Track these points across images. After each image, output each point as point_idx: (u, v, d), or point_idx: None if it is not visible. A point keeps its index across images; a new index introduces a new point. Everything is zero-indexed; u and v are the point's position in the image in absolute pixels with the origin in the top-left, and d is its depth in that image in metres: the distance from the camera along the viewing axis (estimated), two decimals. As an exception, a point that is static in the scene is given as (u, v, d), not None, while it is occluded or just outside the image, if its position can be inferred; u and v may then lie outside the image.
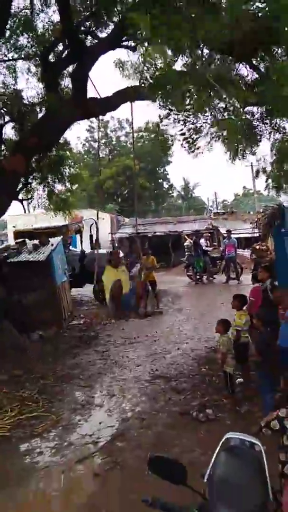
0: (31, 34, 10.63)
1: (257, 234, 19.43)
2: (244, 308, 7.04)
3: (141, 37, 7.02)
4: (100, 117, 11.06)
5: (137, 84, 8.30)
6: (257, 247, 15.43)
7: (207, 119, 6.87)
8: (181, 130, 6.88)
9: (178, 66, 6.92)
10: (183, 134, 6.85)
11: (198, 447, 5.14)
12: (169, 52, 6.51)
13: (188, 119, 6.73)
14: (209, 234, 22.26)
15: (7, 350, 9.38)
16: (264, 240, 17.99)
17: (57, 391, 7.32)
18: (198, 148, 6.92)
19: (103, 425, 6.03)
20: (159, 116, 6.98)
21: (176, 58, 6.79)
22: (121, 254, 16.71)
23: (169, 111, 6.74)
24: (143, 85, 7.23)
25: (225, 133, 6.21)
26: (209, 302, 13.02)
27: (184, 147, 7.24)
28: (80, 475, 4.87)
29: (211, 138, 6.62)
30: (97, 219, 15.45)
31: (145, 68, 7.09)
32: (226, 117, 7.44)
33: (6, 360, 8.92)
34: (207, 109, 6.50)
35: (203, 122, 6.73)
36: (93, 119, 10.99)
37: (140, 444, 5.39)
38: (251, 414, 5.91)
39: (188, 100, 6.17)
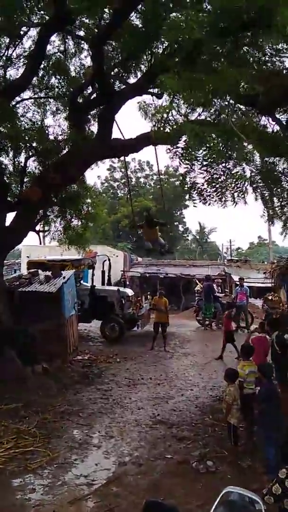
0: (62, 76, 11.20)
1: (270, 284, 19.37)
2: (251, 358, 6.93)
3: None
4: (123, 157, 11.37)
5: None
6: (270, 297, 15.33)
7: (227, 168, 7.00)
8: (208, 179, 7.00)
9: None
10: (208, 181, 6.97)
11: (195, 499, 4.96)
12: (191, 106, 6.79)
13: (209, 170, 6.88)
14: (221, 280, 22.20)
15: (8, 380, 9.28)
16: (277, 291, 17.88)
17: (55, 427, 7.16)
18: (222, 198, 7.05)
19: (99, 467, 5.86)
20: (185, 172, 7.12)
21: (200, 110, 7.03)
22: (132, 293, 16.71)
23: (191, 164, 6.87)
24: (167, 129, 7.46)
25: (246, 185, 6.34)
26: (216, 349, 12.78)
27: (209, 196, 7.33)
28: (71, 517, 4.69)
29: (232, 190, 6.75)
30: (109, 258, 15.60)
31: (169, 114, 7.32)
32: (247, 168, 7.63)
33: (7, 390, 8.80)
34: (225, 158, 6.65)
35: (222, 172, 6.87)
36: (115, 159, 11.34)
37: (135, 491, 5.20)
38: (253, 470, 5.71)
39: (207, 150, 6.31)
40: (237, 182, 6.71)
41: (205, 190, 7.24)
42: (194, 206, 7.33)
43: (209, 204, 7.35)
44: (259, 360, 6.99)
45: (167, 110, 6.26)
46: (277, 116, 7.88)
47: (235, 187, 6.77)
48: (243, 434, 6.59)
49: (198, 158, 6.67)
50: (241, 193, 6.73)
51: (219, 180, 6.99)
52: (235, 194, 6.83)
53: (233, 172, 6.85)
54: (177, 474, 5.64)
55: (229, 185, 6.87)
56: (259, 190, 7.89)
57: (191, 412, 8.05)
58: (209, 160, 6.49)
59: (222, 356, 12.25)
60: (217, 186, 7.03)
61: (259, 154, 6.87)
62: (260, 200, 8.06)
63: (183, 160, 6.63)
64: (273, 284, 18.96)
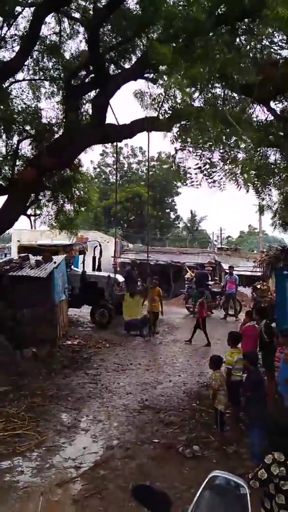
0: (57, 58, 11.02)
1: (259, 273, 19.50)
2: (239, 345, 7.02)
3: (162, 70, 7.23)
4: (116, 143, 11.30)
5: (154, 115, 8.54)
6: (258, 286, 15.44)
7: (222, 154, 7.00)
8: (197, 164, 7.01)
9: (197, 102, 7.10)
10: (199, 168, 6.97)
11: (181, 483, 5.06)
12: (188, 88, 6.73)
13: (204, 153, 6.87)
14: (211, 268, 22.29)
15: (-2, 364, 9.32)
16: (266, 279, 18.02)
17: (44, 411, 7.23)
18: (214, 182, 7.04)
19: (86, 451, 5.94)
20: (175, 148, 7.12)
21: (195, 93, 6.98)
22: (122, 279, 16.72)
23: (184, 144, 6.87)
24: (161, 116, 7.42)
25: (237, 170, 6.32)
26: (204, 337, 12.90)
27: (194, 180, 7.35)
28: (59, 499, 4.77)
29: (224, 174, 6.73)
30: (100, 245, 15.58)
31: (165, 100, 7.29)
32: (240, 154, 7.63)
33: (-4, 374, 8.86)
34: (221, 144, 6.64)
35: (219, 158, 6.86)
36: (108, 145, 11.26)
37: (122, 474, 5.29)
38: (238, 455, 5.83)
39: (204, 135, 6.30)
40: (231, 168, 6.71)
41: (197, 173, 7.26)
42: (183, 184, 7.32)
43: (198, 186, 7.36)
44: (248, 348, 7.09)
45: (170, 84, 6.11)
46: (272, 106, 7.87)
47: (229, 173, 6.76)
48: (230, 420, 6.71)
49: (197, 142, 6.67)
50: (234, 177, 6.73)
51: (215, 164, 6.99)
52: (228, 179, 6.83)
53: (226, 157, 6.85)
54: (164, 458, 5.75)
55: (226, 170, 6.87)
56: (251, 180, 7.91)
57: (179, 398, 8.16)
58: (208, 144, 6.48)
59: (191, 340, 12.81)
60: (211, 170, 7.04)
61: (252, 143, 6.86)
62: (252, 190, 8.11)
63: (179, 142, 6.62)
64: (262, 273, 19.11)
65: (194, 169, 7.06)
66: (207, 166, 6.87)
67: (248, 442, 5.88)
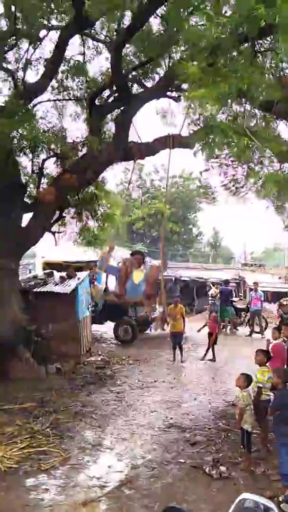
0: (81, 78, 11.30)
1: (285, 289, 19.20)
2: (268, 364, 6.86)
3: (188, 88, 7.29)
4: (138, 160, 11.41)
5: (176, 132, 8.61)
6: (284, 302, 15.20)
7: (244, 170, 7.01)
8: (222, 181, 7.06)
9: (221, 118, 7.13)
10: (225, 185, 7.01)
11: (208, 504, 4.93)
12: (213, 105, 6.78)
13: (227, 170, 6.90)
14: (235, 285, 22.06)
15: (23, 380, 9.38)
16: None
17: (68, 428, 7.19)
18: (240, 198, 7.06)
19: (111, 469, 5.86)
20: (200, 172, 7.18)
21: (220, 110, 7.02)
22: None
23: (209, 163, 6.91)
24: (184, 132, 7.48)
25: (263, 185, 6.31)
26: (230, 354, 12.73)
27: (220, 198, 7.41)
28: (84, 519, 4.70)
29: (249, 189, 6.74)
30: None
31: (188, 116, 7.34)
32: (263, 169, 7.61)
33: (21, 390, 8.90)
34: (245, 159, 6.65)
35: (242, 174, 6.87)
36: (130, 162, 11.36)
37: (148, 494, 5.19)
38: (267, 477, 5.65)
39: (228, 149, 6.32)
40: (255, 184, 6.71)
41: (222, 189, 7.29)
42: (210, 203, 7.34)
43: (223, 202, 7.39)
44: (276, 366, 6.92)
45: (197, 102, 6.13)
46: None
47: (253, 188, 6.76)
48: (258, 440, 6.54)
49: (221, 156, 6.70)
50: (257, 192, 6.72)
51: (238, 181, 7.01)
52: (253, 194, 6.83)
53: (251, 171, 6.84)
54: (190, 478, 5.62)
55: (250, 186, 6.87)
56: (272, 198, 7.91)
57: (204, 417, 8.01)
58: (232, 157, 6.49)
59: (205, 356, 12.56)
60: (236, 187, 7.05)
61: (276, 158, 6.84)
62: (272, 207, 8.08)
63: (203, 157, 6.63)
64: (288, 289, 18.80)
65: (221, 186, 7.09)
66: (232, 183, 6.88)
67: (277, 463, 5.71)
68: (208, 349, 12.52)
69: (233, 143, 5.89)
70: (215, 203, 7.43)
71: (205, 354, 12.55)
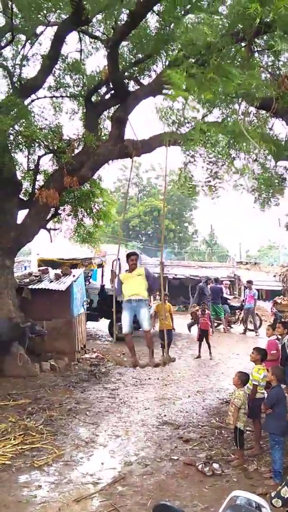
0: (78, 75, 11.27)
1: (280, 287, 19.28)
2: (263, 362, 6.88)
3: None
4: (135, 158, 11.39)
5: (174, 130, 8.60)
6: (279, 300, 15.27)
7: (229, 168, 7.05)
8: (207, 177, 7.08)
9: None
10: (208, 181, 7.04)
11: (200, 501, 4.96)
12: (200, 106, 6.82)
13: (210, 167, 6.94)
14: (229, 283, 22.11)
15: (17, 377, 9.38)
16: (286, 294, 17.78)
17: (62, 424, 7.21)
18: (216, 193, 7.12)
19: (105, 466, 5.89)
20: (184, 163, 7.20)
21: (210, 110, 7.03)
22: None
23: (192, 158, 6.93)
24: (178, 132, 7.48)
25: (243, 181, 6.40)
26: (224, 352, 12.78)
27: (204, 191, 7.46)
28: (77, 515, 4.72)
29: (233, 186, 6.81)
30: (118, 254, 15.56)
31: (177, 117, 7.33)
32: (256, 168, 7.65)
33: (15, 386, 8.91)
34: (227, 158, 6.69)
35: (224, 171, 6.92)
36: (127, 159, 11.35)
37: (141, 491, 5.22)
38: (259, 474, 5.69)
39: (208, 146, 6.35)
40: (240, 178, 6.78)
41: (203, 186, 7.34)
42: (189, 197, 7.39)
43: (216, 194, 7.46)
44: (271, 364, 6.95)
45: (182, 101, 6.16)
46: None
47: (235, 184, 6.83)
48: (251, 438, 6.59)
49: (202, 155, 6.75)
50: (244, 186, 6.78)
51: (220, 177, 7.06)
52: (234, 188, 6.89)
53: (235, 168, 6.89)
54: (183, 475, 5.65)
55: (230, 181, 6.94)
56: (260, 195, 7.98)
57: (198, 414, 8.05)
58: (213, 156, 6.53)
59: (200, 355, 12.59)
60: (218, 183, 7.10)
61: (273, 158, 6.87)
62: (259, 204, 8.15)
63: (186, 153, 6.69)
64: (282, 288, 18.90)
65: (204, 181, 7.13)
66: (216, 180, 6.92)
67: (270, 460, 5.76)
68: (209, 347, 12.61)
69: (212, 141, 5.92)
70: (194, 196, 7.48)
71: (210, 352, 12.61)
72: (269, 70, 7.07)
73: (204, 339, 12.57)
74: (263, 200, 8.23)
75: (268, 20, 5.06)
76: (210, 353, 12.54)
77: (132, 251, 9.14)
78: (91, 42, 11.34)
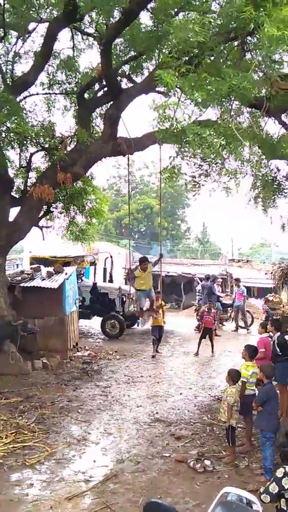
0: (70, 72, 11.22)
1: (271, 285, 19.40)
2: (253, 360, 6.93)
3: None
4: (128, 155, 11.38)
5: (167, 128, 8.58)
6: (270, 298, 15.36)
7: (218, 166, 7.07)
8: (193, 172, 7.10)
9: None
10: (194, 176, 7.06)
11: (192, 498, 5.00)
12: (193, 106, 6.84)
13: (202, 165, 6.95)
14: (221, 280, 22.18)
15: (8, 374, 9.35)
16: (278, 291, 17.88)
17: (54, 423, 7.21)
18: (199, 190, 7.17)
19: (97, 464, 5.90)
20: (170, 157, 7.22)
21: (202, 110, 7.03)
22: (133, 290, 16.72)
23: (178, 153, 6.93)
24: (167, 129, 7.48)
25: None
26: (216, 349, 12.83)
27: (188, 185, 7.50)
28: (69, 513, 4.73)
29: (221, 186, 6.86)
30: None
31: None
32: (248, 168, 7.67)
33: (7, 385, 8.88)
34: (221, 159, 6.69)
35: (213, 169, 6.94)
36: (120, 157, 11.34)
37: (133, 488, 5.24)
38: (250, 470, 5.75)
39: (204, 147, 6.34)
40: (230, 179, 6.80)
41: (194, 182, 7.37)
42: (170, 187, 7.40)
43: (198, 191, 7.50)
44: (261, 362, 6.99)
45: (170, 107, 6.19)
46: (284, 119, 7.90)
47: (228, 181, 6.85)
48: (242, 434, 6.63)
49: (197, 156, 6.76)
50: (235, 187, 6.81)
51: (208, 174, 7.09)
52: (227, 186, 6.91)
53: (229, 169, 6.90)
54: (175, 472, 5.68)
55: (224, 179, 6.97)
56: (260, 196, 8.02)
57: (190, 411, 8.09)
58: (208, 158, 6.53)
59: (198, 352, 12.63)
60: (204, 180, 7.13)
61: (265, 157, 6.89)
62: (260, 206, 8.18)
63: (181, 155, 6.70)
64: (274, 285, 19.01)
65: (189, 176, 7.15)
66: (201, 177, 6.95)
67: (261, 457, 5.81)
68: (212, 345, 12.70)
69: (207, 143, 5.92)
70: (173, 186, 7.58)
71: (212, 350, 12.69)
72: (262, 69, 7.08)
73: (208, 337, 12.64)
74: (264, 202, 8.23)
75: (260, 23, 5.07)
76: (212, 350, 12.63)
77: (145, 257, 11.53)
78: (83, 39, 11.29)
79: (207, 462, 5.83)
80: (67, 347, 11.43)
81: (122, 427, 7.21)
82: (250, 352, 6.68)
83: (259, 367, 6.21)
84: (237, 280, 17.50)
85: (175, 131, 6.14)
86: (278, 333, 7.64)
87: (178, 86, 5.66)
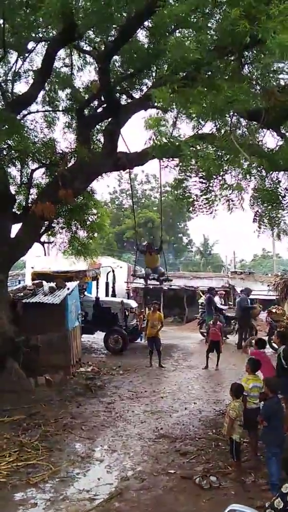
0: (69, 90, 11.37)
1: (274, 297, 19.28)
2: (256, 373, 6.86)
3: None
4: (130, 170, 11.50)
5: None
6: (274, 310, 15.27)
7: (221, 182, 7.10)
8: (202, 191, 7.14)
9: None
10: (205, 194, 7.09)
11: (198, 516, 4.90)
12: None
13: (202, 182, 7.00)
14: (224, 293, 22.11)
15: (11, 392, 9.27)
16: (281, 303, 17.77)
17: (57, 440, 7.13)
18: (212, 206, 7.19)
19: (101, 482, 5.81)
20: (175, 179, 7.28)
21: (200, 124, 7.09)
22: (135, 305, 16.72)
23: (186, 175, 6.99)
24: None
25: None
26: (220, 362, 12.72)
27: (199, 206, 7.52)
28: (73, 533, 4.66)
29: (219, 200, 6.87)
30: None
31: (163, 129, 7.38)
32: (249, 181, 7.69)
33: (10, 402, 8.80)
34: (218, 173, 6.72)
35: (217, 184, 6.97)
36: (123, 171, 11.44)
37: (138, 506, 5.16)
38: (257, 486, 5.65)
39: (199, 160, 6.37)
40: (232, 193, 6.79)
41: (197, 200, 7.40)
42: (188, 211, 7.44)
43: (198, 213, 7.55)
44: (266, 375, 6.92)
45: (161, 122, 6.24)
46: (283, 131, 7.94)
47: (229, 199, 6.84)
48: (247, 450, 6.54)
49: (193, 169, 6.80)
50: (237, 202, 6.79)
51: (213, 191, 7.11)
52: (229, 204, 6.90)
53: (230, 184, 6.91)
54: (180, 489, 5.59)
55: (224, 196, 6.96)
56: (257, 208, 8.03)
57: (195, 426, 7.99)
58: (204, 171, 6.55)
59: (207, 366, 12.67)
60: (210, 197, 7.14)
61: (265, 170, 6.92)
62: (257, 218, 8.18)
63: (178, 170, 6.75)
64: (277, 297, 18.90)
65: (198, 196, 7.19)
66: (207, 195, 6.98)
67: (267, 472, 5.71)
68: (218, 358, 12.67)
69: (205, 156, 5.96)
70: (189, 208, 7.63)
71: (217, 363, 12.67)
72: (259, 82, 7.14)
73: (215, 350, 12.61)
74: (268, 220, 8.19)
75: (257, 34, 5.14)
76: (217, 364, 12.59)
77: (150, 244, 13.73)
78: (80, 57, 11.44)
79: (213, 479, 5.74)
80: (70, 363, 11.35)
81: (126, 444, 7.13)
82: (251, 365, 6.64)
83: (264, 381, 6.15)
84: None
85: (168, 145, 6.18)
86: (283, 346, 7.57)
87: (173, 102, 5.72)
